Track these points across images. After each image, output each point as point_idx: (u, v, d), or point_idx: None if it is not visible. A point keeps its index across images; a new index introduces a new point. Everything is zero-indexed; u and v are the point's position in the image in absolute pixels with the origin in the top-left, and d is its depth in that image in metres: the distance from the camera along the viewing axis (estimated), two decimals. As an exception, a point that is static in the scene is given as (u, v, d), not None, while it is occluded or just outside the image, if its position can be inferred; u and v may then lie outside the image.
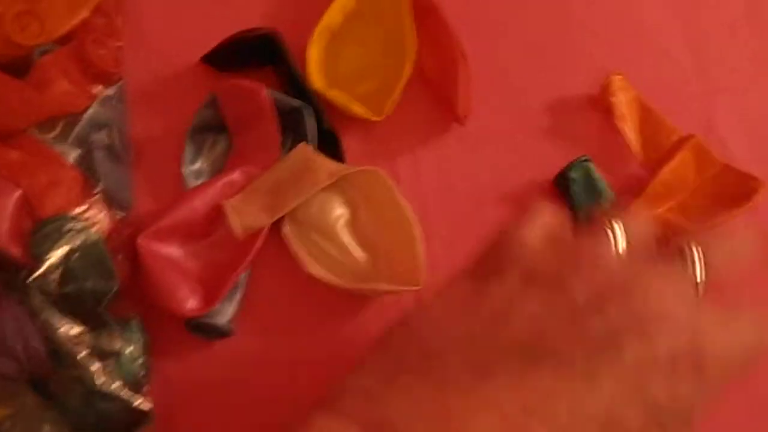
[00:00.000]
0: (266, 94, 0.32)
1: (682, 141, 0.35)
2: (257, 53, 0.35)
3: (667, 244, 0.23)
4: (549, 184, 0.35)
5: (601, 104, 0.36)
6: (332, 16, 0.36)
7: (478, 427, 0.18)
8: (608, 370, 0.18)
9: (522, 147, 0.36)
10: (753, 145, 0.37)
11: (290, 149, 0.33)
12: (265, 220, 0.31)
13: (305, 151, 0.32)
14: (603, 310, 0.19)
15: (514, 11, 0.39)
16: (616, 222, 0.22)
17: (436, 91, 0.36)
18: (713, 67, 0.38)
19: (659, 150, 0.35)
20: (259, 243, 0.30)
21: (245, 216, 0.31)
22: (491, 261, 0.22)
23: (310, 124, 0.33)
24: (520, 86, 0.37)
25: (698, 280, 0.22)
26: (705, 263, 0.22)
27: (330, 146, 0.34)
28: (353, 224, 0.32)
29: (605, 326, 0.19)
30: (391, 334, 0.22)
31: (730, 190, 0.34)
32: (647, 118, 0.36)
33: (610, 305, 0.19)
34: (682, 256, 0.22)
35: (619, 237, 0.22)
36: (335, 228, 0.32)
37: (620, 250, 0.22)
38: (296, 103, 0.33)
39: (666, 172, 0.34)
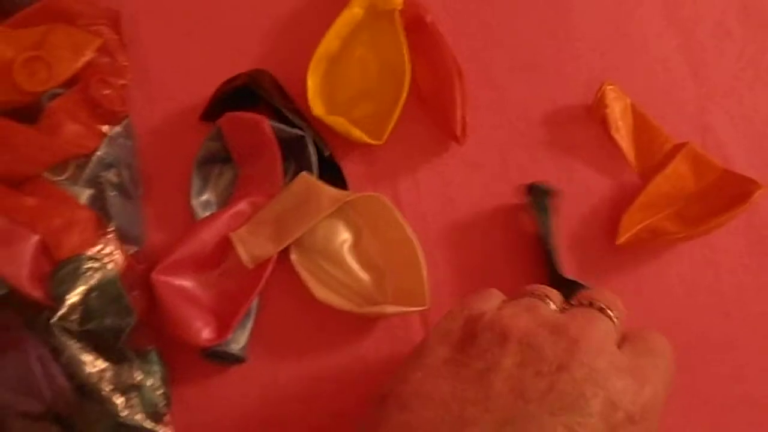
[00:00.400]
0: (268, 125, 0.33)
1: (676, 149, 0.35)
2: (248, 96, 0.36)
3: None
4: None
5: (597, 114, 0.37)
6: (329, 42, 0.37)
7: None
8: (581, 422, 0.20)
9: (521, 162, 0.37)
10: (751, 149, 0.37)
11: (293, 178, 0.34)
12: (271, 250, 0.32)
13: (306, 180, 0.33)
14: (568, 367, 0.21)
15: (507, 25, 0.39)
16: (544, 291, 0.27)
17: (434, 111, 0.36)
18: (708, 72, 0.39)
19: (654, 158, 0.36)
20: (268, 272, 0.32)
21: (252, 246, 0.32)
22: (462, 329, 0.24)
23: (311, 153, 0.34)
24: (516, 100, 0.38)
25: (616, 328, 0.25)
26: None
27: (332, 172, 0.35)
28: (358, 248, 0.33)
29: (571, 381, 0.21)
30: (382, 414, 0.23)
31: (728, 194, 0.34)
32: (641, 127, 0.37)
33: (573, 361, 0.22)
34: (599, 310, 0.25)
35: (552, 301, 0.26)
36: (341, 253, 0.33)
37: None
38: (297, 132, 0.34)
39: (659, 180, 0.34)
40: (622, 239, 0.33)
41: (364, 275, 0.33)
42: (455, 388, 0.22)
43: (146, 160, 0.36)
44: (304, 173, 0.33)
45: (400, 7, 0.36)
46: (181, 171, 0.36)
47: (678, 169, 0.35)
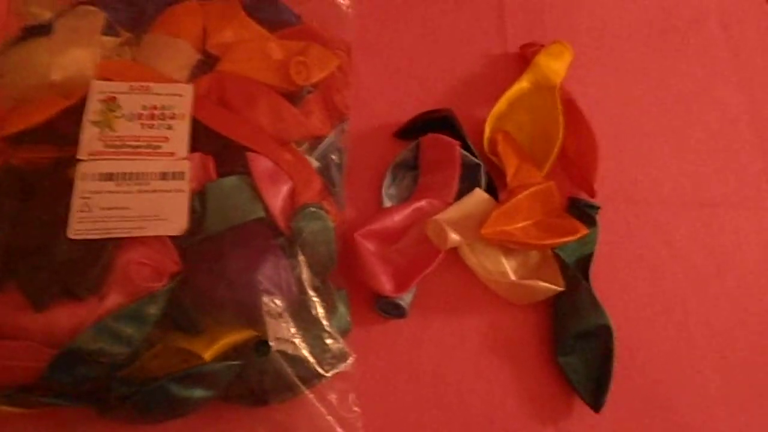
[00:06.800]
0: (458, 149, 0.44)
1: (539, 182, 0.44)
2: (436, 126, 0.47)
3: None
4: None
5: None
6: (501, 104, 0.49)
7: None
8: None
9: (625, 224, 0.48)
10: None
11: (460, 192, 0.45)
12: (458, 240, 0.41)
13: (481, 195, 0.44)
14: None
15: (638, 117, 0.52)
16: None
17: (574, 168, 0.48)
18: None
19: (526, 182, 0.45)
20: (443, 253, 0.41)
21: (448, 233, 0.41)
22: None
23: (482, 178, 0.45)
24: (642, 179, 0.50)
25: None
26: None
27: (491, 196, 0.45)
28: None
29: None
30: None
31: (563, 228, 0.44)
32: (524, 158, 0.46)
33: None
34: None
35: None
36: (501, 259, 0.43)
37: None
38: (475, 161, 0.45)
39: (521, 198, 0.43)
40: (487, 230, 0.42)
41: (513, 276, 0.43)
42: None
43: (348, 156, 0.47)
44: (478, 189, 0.44)
45: (558, 85, 0.48)
46: (370, 168, 0.47)
47: (535, 196, 0.44)
